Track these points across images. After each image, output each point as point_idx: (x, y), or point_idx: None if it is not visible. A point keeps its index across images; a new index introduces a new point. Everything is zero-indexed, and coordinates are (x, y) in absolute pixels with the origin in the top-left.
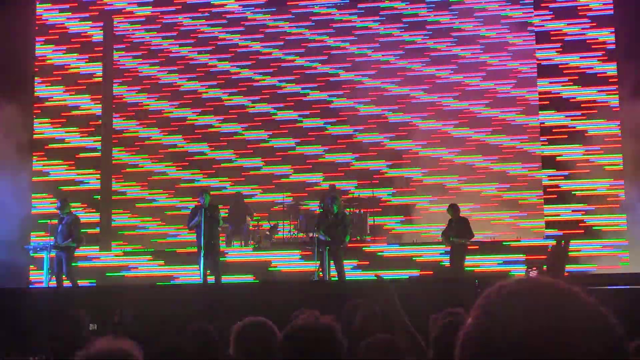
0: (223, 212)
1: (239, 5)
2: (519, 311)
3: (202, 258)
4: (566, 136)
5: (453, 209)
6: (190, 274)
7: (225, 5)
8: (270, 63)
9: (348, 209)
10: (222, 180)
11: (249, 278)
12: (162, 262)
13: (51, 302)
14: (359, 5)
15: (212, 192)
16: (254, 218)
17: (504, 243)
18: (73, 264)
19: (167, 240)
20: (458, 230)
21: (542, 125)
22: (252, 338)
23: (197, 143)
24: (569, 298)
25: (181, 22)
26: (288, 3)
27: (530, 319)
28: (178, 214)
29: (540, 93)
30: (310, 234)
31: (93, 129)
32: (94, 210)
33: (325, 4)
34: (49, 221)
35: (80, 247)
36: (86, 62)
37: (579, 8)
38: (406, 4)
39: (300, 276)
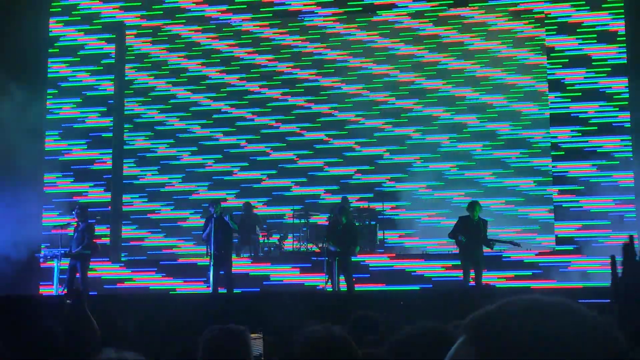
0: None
1: (246, 18)
2: (521, 333)
3: (212, 267)
4: (577, 152)
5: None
6: (200, 288)
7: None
8: (274, 77)
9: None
10: (229, 192)
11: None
12: (164, 274)
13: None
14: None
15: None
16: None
17: (504, 257)
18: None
19: (176, 252)
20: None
21: (552, 141)
22: (220, 346)
23: (202, 155)
24: (573, 316)
25: (188, 35)
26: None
27: (533, 341)
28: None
29: (551, 109)
30: (320, 245)
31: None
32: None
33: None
34: (63, 224)
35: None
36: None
37: (586, 27)
38: (410, 20)
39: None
